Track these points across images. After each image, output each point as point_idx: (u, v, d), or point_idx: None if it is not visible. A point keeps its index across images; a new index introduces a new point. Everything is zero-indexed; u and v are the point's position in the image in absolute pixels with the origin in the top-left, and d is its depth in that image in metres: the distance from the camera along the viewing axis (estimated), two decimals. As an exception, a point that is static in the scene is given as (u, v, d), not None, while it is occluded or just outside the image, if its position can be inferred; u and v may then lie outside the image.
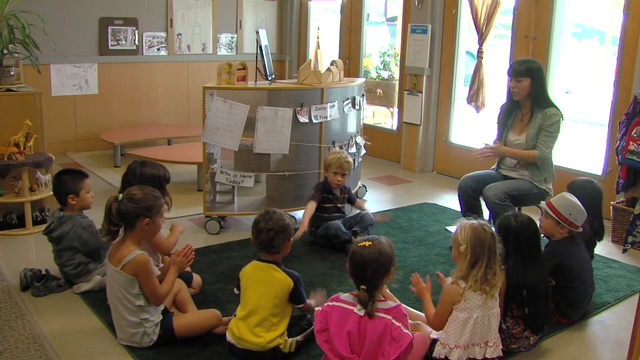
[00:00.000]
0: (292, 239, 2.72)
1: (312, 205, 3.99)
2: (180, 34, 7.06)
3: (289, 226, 2.67)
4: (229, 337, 2.64)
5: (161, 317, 2.72)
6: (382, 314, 2.28)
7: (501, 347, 2.59)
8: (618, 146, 4.29)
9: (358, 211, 4.24)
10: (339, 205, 4.13)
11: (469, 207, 3.94)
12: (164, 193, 3.11)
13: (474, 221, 2.59)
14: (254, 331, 2.57)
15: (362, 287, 2.31)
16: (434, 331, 2.68)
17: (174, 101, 7.21)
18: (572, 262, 3.02)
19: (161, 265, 3.02)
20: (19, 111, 4.13)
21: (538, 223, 3.16)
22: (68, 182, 3.28)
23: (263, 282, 2.61)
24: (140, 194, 2.67)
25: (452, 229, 4.40)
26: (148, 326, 2.67)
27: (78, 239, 3.19)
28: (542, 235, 3.05)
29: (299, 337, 2.70)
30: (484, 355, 2.54)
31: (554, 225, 3.02)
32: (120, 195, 2.67)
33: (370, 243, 2.33)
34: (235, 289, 2.78)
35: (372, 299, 2.30)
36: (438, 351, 2.53)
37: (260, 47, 4.37)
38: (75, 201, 3.28)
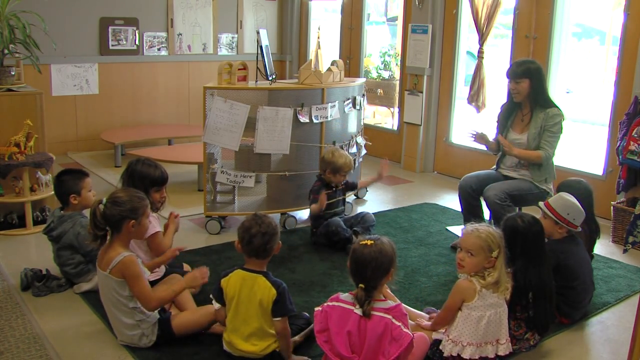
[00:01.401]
0: (279, 242, 2.61)
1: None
2: (180, 34, 7.06)
3: (277, 230, 2.58)
4: (225, 348, 2.61)
5: (158, 317, 2.71)
6: (382, 314, 2.28)
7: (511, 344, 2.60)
8: (619, 146, 4.30)
9: (359, 211, 4.25)
10: (338, 197, 4.14)
11: (470, 208, 3.94)
12: (149, 194, 3.05)
13: (485, 226, 2.57)
14: (249, 341, 2.54)
15: (360, 285, 2.32)
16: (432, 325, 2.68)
17: (174, 101, 7.21)
18: (571, 262, 3.02)
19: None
20: (20, 111, 4.13)
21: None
22: (69, 182, 3.28)
23: (252, 292, 2.51)
24: (124, 197, 2.66)
25: (452, 229, 4.42)
26: (145, 327, 2.66)
27: (76, 238, 3.19)
28: None
29: (296, 337, 2.68)
30: (496, 353, 2.54)
31: (552, 225, 3.02)
32: (104, 199, 2.66)
33: (372, 242, 2.33)
34: (214, 302, 2.59)
35: (369, 298, 2.30)
36: (450, 349, 2.52)
37: (261, 47, 4.37)
38: (77, 200, 3.28)
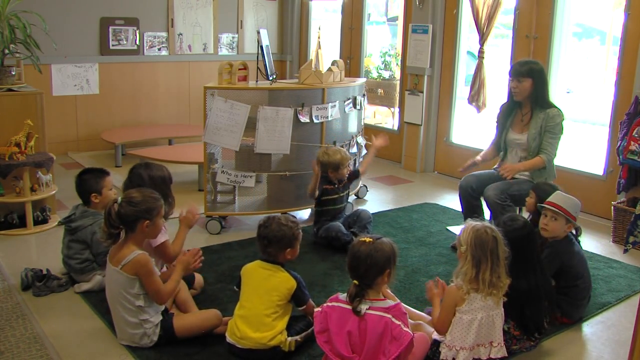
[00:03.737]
0: (291, 249, 2.68)
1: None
2: (181, 34, 7.06)
3: (286, 237, 2.64)
4: (228, 338, 2.63)
5: (161, 318, 2.72)
6: (381, 313, 2.28)
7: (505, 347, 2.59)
8: (619, 146, 4.30)
9: (355, 209, 4.24)
10: (341, 194, 4.14)
11: (470, 207, 3.94)
12: (169, 194, 3.15)
13: (478, 223, 2.58)
14: (256, 328, 2.57)
15: (354, 282, 2.33)
16: (435, 331, 2.68)
17: (175, 101, 7.21)
18: (575, 261, 3.03)
19: (164, 270, 3.03)
20: (20, 111, 4.13)
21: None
22: (90, 181, 3.30)
23: (267, 281, 2.62)
24: (139, 197, 2.67)
25: (453, 229, 4.42)
26: (147, 327, 2.67)
27: (92, 236, 3.20)
28: (547, 238, 3.05)
29: (297, 337, 2.69)
30: (489, 355, 2.54)
31: (562, 225, 3.01)
32: (119, 199, 2.67)
33: (371, 240, 2.36)
34: (235, 287, 2.78)
35: (361, 296, 2.30)
36: (445, 354, 2.53)
37: (261, 47, 4.37)
38: (98, 199, 3.30)
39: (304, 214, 4.71)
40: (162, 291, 2.67)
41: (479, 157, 4.08)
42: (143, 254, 2.64)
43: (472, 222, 2.60)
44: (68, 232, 3.28)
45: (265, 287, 2.61)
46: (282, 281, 2.63)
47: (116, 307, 2.69)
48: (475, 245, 2.51)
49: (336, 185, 4.09)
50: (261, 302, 2.58)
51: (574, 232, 3.16)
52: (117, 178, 5.33)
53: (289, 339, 2.64)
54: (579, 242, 3.22)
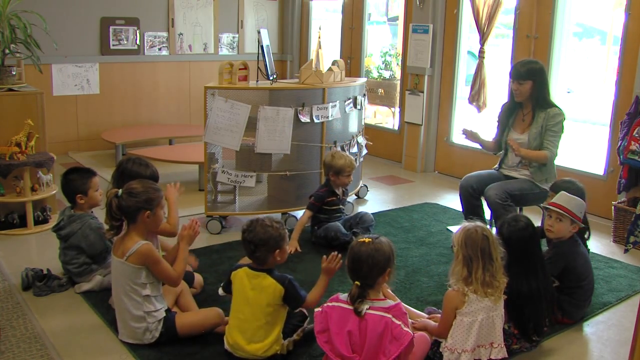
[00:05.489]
0: (279, 250, 2.58)
1: (307, 216, 3.98)
2: (181, 34, 7.06)
3: (272, 238, 2.55)
4: (226, 345, 2.62)
5: (164, 315, 2.72)
6: (382, 313, 2.28)
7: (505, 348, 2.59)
8: (620, 146, 4.29)
9: (358, 211, 4.24)
10: (341, 206, 4.15)
11: (471, 207, 3.94)
12: None
13: (471, 223, 2.58)
14: (250, 339, 2.54)
15: (355, 283, 2.32)
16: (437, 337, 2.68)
17: (175, 101, 7.21)
18: (579, 262, 3.02)
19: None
20: (21, 111, 4.13)
21: (540, 224, 3.15)
22: (76, 181, 3.28)
23: (255, 291, 2.55)
24: (139, 188, 2.70)
25: (453, 229, 4.42)
26: (151, 321, 2.68)
27: (84, 240, 3.19)
28: (552, 239, 3.05)
29: (295, 337, 2.69)
30: (489, 357, 2.53)
31: (568, 226, 3.01)
32: (120, 191, 2.68)
33: (370, 240, 2.35)
34: (220, 289, 2.70)
35: (362, 297, 2.30)
36: (447, 357, 2.53)
37: (262, 46, 4.37)
38: (83, 200, 3.28)
39: (305, 213, 4.70)
40: (172, 274, 2.71)
41: (483, 137, 4.06)
42: (146, 244, 2.66)
43: (466, 223, 2.60)
44: (61, 240, 3.28)
45: (255, 297, 2.54)
46: (270, 289, 2.54)
47: (122, 299, 2.69)
48: (465, 245, 2.51)
49: (339, 197, 4.09)
50: (252, 313, 2.54)
51: (585, 236, 3.16)
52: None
53: (286, 341, 2.62)
54: (586, 245, 3.23)
